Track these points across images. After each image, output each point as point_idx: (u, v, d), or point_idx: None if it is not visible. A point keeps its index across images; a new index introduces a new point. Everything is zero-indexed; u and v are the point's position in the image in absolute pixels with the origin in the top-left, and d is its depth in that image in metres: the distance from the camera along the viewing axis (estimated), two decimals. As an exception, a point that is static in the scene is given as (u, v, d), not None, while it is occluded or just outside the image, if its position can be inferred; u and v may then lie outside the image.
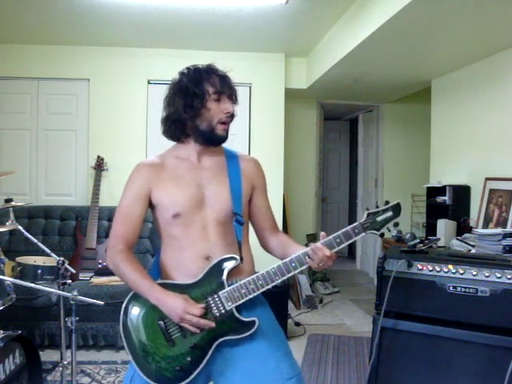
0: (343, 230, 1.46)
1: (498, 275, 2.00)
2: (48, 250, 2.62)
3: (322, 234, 1.47)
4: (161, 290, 1.43)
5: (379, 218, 1.48)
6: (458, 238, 3.22)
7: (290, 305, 4.42)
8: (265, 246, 1.67)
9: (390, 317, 2.20)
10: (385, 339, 2.20)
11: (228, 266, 1.47)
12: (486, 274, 2.02)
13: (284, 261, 1.46)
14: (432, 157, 4.41)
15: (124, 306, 1.49)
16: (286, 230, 5.02)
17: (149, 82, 4.59)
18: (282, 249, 1.60)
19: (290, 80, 4.85)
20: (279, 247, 1.62)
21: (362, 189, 6.46)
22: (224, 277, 1.46)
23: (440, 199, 3.90)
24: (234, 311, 1.45)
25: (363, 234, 1.46)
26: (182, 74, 1.55)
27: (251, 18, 3.66)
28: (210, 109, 1.50)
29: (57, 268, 2.47)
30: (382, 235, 1.50)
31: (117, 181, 4.28)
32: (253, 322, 1.45)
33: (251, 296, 1.45)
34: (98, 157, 4.32)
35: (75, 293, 2.33)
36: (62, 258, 2.46)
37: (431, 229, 3.91)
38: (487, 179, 3.49)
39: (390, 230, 1.69)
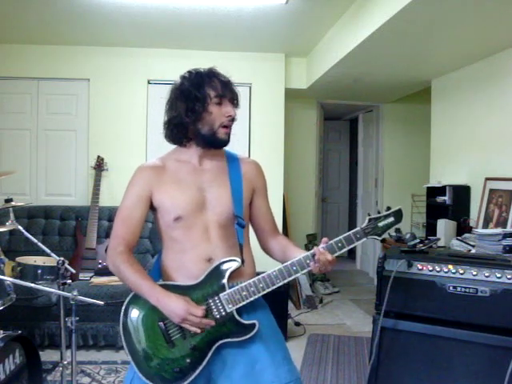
0: (345, 235, 1.47)
1: (498, 275, 2.00)
2: (48, 250, 2.62)
3: (324, 239, 1.47)
4: (162, 290, 1.42)
5: (381, 224, 1.49)
6: (458, 238, 3.22)
7: (290, 305, 4.42)
8: (265, 248, 1.67)
9: (390, 317, 2.20)
10: (385, 339, 2.21)
11: (229, 268, 1.47)
12: (486, 274, 2.03)
13: (285, 264, 1.46)
14: (432, 157, 4.41)
15: (124, 307, 1.49)
16: (285, 230, 5.01)
17: (149, 82, 4.59)
18: (281, 251, 1.60)
19: (289, 80, 4.85)
20: (279, 250, 1.62)
21: (362, 189, 6.45)
22: (225, 279, 1.46)
23: (440, 199, 3.90)
24: (235, 313, 1.45)
25: (364, 239, 1.48)
26: (183, 77, 1.55)
27: (251, 17, 3.66)
28: (212, 112, 1.50)
29: (57, 268, 2.47)
30: (383, 240, 1.51)
31: (117, 181, 4.29)
32: (253, 325, 1.45)
33: (252, 299, 1.45)
34: (98, 157, 4.32)
35: (75, 293, 2.33)
36: (61, 258, 2.46)
37: (431, 229, 3.91)
38: (487, 179, 3.49)
39: (391, 236, 1.69)
